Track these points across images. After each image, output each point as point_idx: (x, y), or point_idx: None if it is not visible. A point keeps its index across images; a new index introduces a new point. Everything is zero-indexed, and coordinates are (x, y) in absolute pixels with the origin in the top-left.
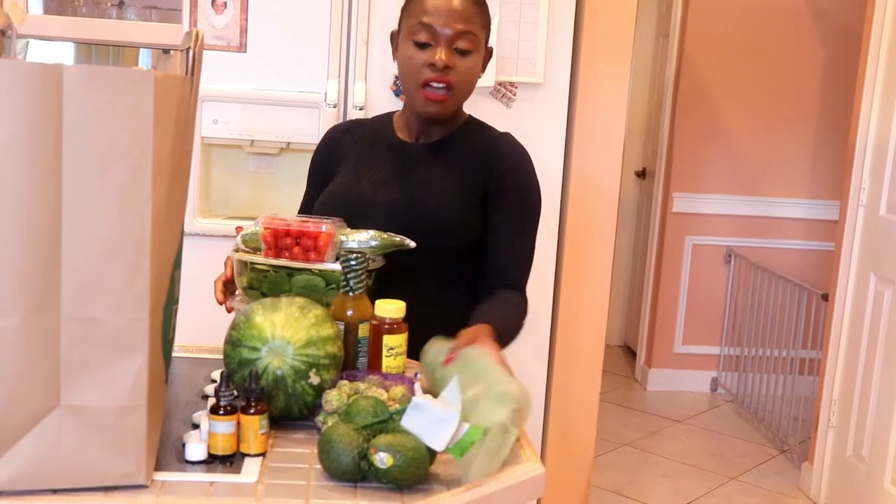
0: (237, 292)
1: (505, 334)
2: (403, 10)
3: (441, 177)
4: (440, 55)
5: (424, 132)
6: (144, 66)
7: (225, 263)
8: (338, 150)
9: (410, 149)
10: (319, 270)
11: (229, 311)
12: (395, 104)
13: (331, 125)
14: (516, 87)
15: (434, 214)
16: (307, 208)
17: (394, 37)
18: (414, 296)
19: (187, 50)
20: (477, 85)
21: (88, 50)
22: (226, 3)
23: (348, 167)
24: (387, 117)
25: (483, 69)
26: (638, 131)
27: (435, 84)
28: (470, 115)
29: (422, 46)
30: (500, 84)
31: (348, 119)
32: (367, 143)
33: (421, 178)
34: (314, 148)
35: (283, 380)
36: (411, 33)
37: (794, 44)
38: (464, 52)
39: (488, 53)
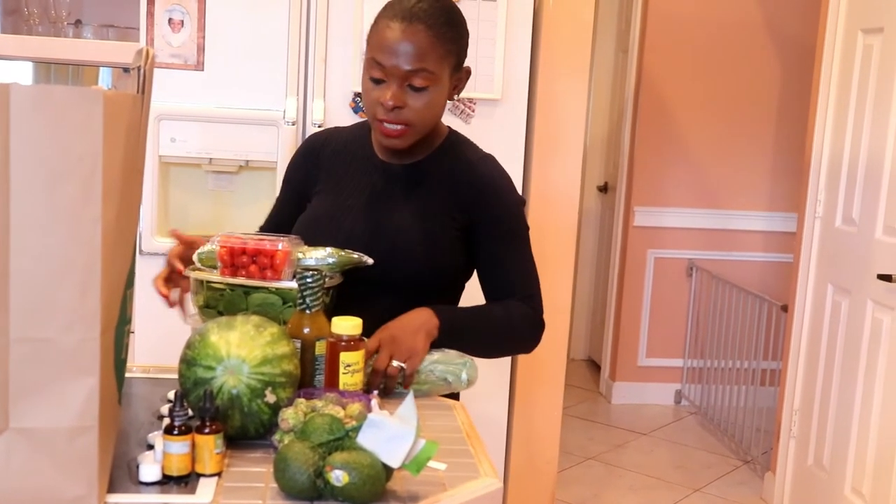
0: (193, 311)
1: (465, 333)
2: (367, 35)
3: (416, 203)
4: (390, 95)
5: (399, 153)
6: (104, 84)
7: (167, 261)
8: (316, 164)
9: (389, 170)
10: (276, 288)
11: (172, 305)
12: (353, 121)
13: (289, 143)
14: (475, 104)
15: (404, 240)
16: (278, 215)
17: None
18: (380, 316)
19: (138, 68)
20: None
21: (48, 69)
22: (183, 21)
23: (327, 188)
24: (365, 128)
25: (458, 90)
26: (599, 146)
27: (387, 122)
28: (450, 129)
29: (376, 82)
30: (458, 100)
31: (324, 129)
32: (346, 161)
33: (397, 204)
34: (274, 165)
35: (238, 399)
36: (368, 67)
37: (750, 58)
38: (418, 90)
39: (464, 74)
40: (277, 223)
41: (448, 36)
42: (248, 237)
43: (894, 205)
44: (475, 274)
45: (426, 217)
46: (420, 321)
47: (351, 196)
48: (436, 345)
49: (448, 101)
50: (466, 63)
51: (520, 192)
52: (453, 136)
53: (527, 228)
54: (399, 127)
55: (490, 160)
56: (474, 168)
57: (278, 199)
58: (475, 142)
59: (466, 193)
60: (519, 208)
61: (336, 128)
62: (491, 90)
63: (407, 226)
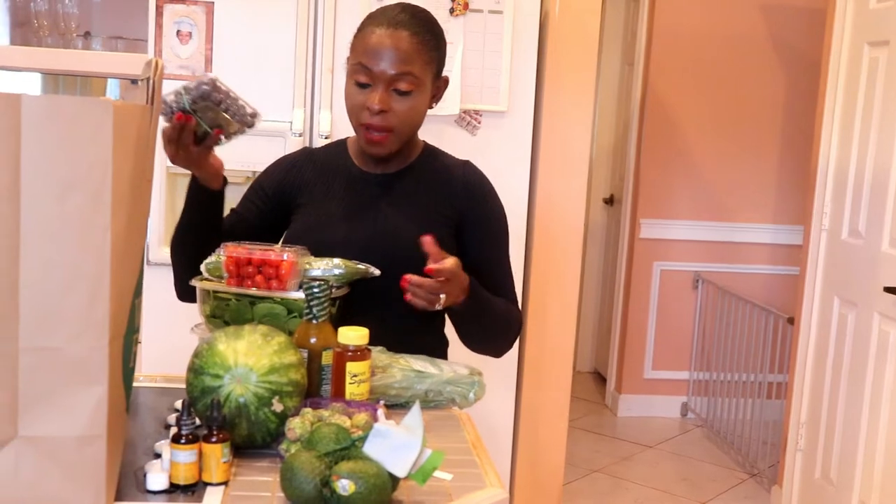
0: (199, 323)
1: (483, 310)
2: (351, 43)
3: (408, 208)
4: (376, 99)
5: (381, 162)
6: (112, 95)
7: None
8: (297, 177)
9: (374, 180)
10: (281, 298)
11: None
12: None
13: None
14: (481, 115)
15: (405, 246)
16: (237, 218)
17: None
18: (388, 326)
19: (147, 79)
20: (442, 113)
21: (56, 80)
22: (191, 33)
23: (312, 201)
24: (340, 146)
25: (437, 99)
26: (605, 158)
27: (373, 126)
28: (425, 142)
29: (362, 86)
30: (465, 112)
31: (299, 150)
32: (329, 176)
33: (389, 210)
34: None
35: (245, 407)
36: (353, 72)
37: (756, 71)
38: (403, 93)
39: (443, 83)
40: (236, 223)
41: (431, 43)
42: (253, 247)
43: None
44: None
45: (420, 219)
46: (466, 277)
47: (340, 206)
48: (455, 309)
49: (429, 109)
50: (471, 73)
51: (525, 203)
52: (429, 147)
53: (509, 234)
54: (383, 133)
55: (473, 164)
56: (462, 169)
57: (240, 205)
58: (482, 154)
59: (459, 192)
60: (505, 213)
61: (308, 149)
62: (497, 102)
63: (403, 229)
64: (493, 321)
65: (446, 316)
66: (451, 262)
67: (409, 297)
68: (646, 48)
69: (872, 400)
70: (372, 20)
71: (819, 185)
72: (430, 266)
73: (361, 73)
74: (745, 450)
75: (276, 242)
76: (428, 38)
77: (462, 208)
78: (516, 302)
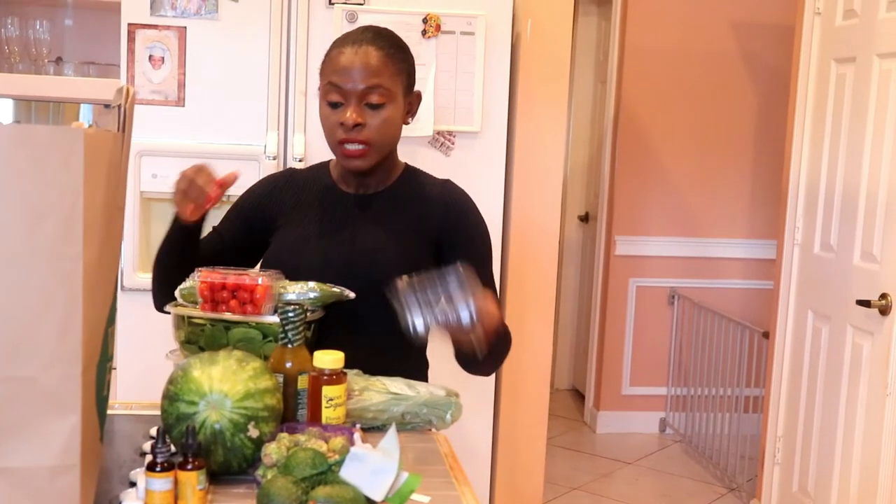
0: (175, 349)
1: (499, 335)
2: (320, 68)
3: (386, 227)
4: (349, 115)
5: (363, 183)
6: (85, 121)
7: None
8: (277, 199)
9: (356, 201)
10: (256, 323)
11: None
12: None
13: None
14: (454, 136)
15: (382, 267)
16: (217, 238)
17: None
18: (366, 348)
19: (118, 107)
20: (416, 135)
21: (28, 106)
22: (163, 58)
23: (292, 222)
24: (323, 168)
25: (412, 114)
26: (580, 176)
27: (349, 141)
28: (406, 164)
29: (334, 106)
30: (438, 133)
31: (281, 170)
32: (310, 197)
33: (367, 230)
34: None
35: (221, 433)
36: (324, 94)
37: (728, 88)
38: (376, 107)
39: (416, 98)
40: (215, 242)
41: (398, 56)
42: (227, 272)
43: (870, 231)
44: None
45: (399, 239)
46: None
47: (317, 227)
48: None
49: (405, 125)
50: (443, 94)
51: (501, 222)
52: (410, 168)
53: (492, 251)
54: (360, 147)
55: (453, 183)
56: (443, 188)
57: (221, 225)
58: (457, 174)
59: (439, 212)
60: (487, 230)
61: (292, 169)
62: (470, 123)
63: (382, 249)
64: (502, 342)
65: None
66: (487, 309)
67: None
68: (618, 66)
69: (847, 412)
70: (338, 43)
71: (791, 200)
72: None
73: (333, 93)
74: (724, 464)
75: (256, 264)
76: (393, 51)
77: (442, 227)
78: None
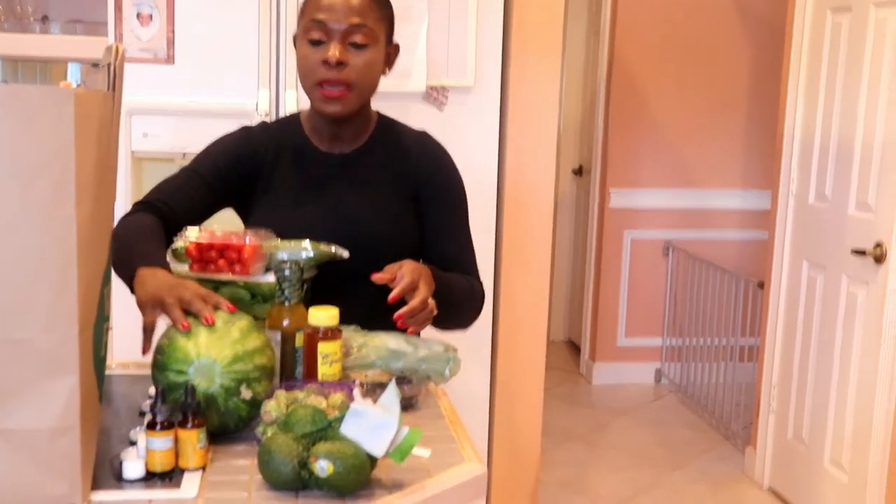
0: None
1: (448, 291)
2: (300, 11)
3: (368, 191)
4: (333, 51)
5: (338, 136)
6: (73, 80)
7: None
8: (256, 157)
9: (332, 161)
10: (245, 283)
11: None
12: None
13: None
14: (448, 91)
15: (368, 232)
16: (179, 192)
17: (295, 40)
18: (359, 307)
19: (108, 65)
20: (409, 90)
21: (14, 66)
22: (151, 15)
23: (270, 190)
24: (294, 121)
25: (390, 65)
26: (573, 130)
27: (330, 81)
28: (378, 113)
29: (316, 44)
30: (431, 88)
31: (250, 127)
32: (285, 161)
33: (349, 196)
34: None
35: (214, 399)
36: (305, 32)
37: (721, 38)
38: (359, 47)
39: (394, 50)
40: (175, 201)
41: (382, 2)
42: (216, 232)
43: (865, 181)
44: None
45: (381, 197)
46: (425, 268)
47: (299, 194)
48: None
49: (383, 76)
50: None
51: (495, 177)
52: (384, 118)
53: (466, 199)
54: (340, 88)
55: (429, 135)
56: (418, 141)
57: (189, 168)
58: (451, 129)
59: (415, 164)
60: (463, 183)
61: (263, 124)
62: (464, 77)
63: (365, 210)
64: (458, 298)
65: None
66: (406, 269)
67: (412, 330)
68: (611, 17)
69: (842, 361)
70: None
71: (786, 150)
72: (394, 294)
73: (315, 30)
74: (719, 413)
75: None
76: None
77: (419, 181)
78: (476, 274)
